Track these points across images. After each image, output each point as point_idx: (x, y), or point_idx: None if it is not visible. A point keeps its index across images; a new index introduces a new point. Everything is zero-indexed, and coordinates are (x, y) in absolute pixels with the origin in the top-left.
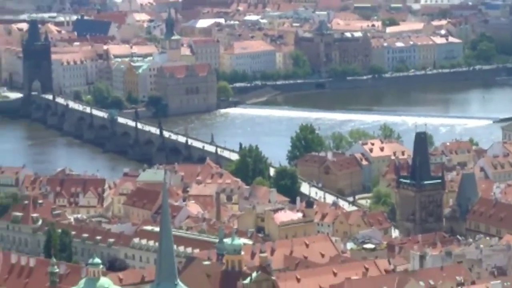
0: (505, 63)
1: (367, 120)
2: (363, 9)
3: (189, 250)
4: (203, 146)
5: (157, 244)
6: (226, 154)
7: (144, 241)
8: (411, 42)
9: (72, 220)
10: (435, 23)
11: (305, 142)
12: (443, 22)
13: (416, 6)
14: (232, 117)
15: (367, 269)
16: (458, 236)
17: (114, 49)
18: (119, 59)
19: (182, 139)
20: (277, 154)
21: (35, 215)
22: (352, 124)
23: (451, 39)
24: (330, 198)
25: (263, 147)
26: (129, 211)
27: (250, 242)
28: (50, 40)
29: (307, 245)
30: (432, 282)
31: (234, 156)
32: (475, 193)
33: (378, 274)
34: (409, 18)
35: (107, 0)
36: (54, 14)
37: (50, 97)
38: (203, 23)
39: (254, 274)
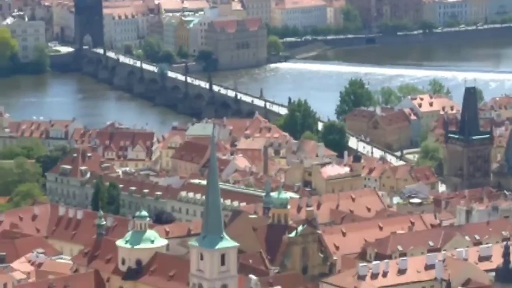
0: None
1: (417, 75)
2: None
3: (235, 203)
4: (252, 101)
5: (204, 197)
6: (275, 108)
7: (191, 194)
8: None
9: (120, 173)
10: None
11: (354, 96)
12: None
13: None
14: (282, 72)
15: (413, 224)
16: (505, 191)
17: (166, 3)
18: (170, 14)
19: (231, 93)
20: (325, 108)
21: (83, 168)
22: (401, 79)
23: None
24: (377, 153)
25: (312, 101)
26: (177, 164)
27: (296, 196)
28: None
29: (353, 199)
30: (477, 237)
31: (283, 111)
32: None
33: (424, 228)
34: None
35: None
36: None
37: (101, 51)
38: None
39: (300, 228)
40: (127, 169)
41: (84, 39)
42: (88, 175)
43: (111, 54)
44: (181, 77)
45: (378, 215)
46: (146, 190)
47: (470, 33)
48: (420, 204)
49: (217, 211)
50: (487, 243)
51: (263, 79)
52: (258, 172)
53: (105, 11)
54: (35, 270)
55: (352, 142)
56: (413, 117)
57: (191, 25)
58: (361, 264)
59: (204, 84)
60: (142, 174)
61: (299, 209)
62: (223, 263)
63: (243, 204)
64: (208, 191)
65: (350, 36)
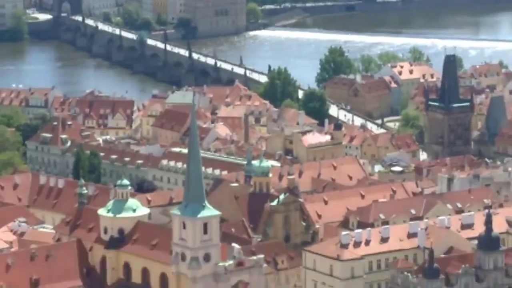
0: None
1: (397, 43)
2: None
3: (217, 172)
4: (232, 68)
5: (185, 166)
6: (255, 76)
7: (172, 163)
8: None
9: (100, 141)
10: None
11: (334, 64)
12: None
13: None
14: (261, 40)
15: (394, 192)
16: (486, 159)
17: None
18: None
19: (211, 61)
20: (306, 76)
21: (64, 136)
22: (381, 46)
23: None
24: (358, 121)
25: (292, 69)
26: (157, 132)
27: (278, 164)
28: None
29: (334, 168)
30: (459, 205)
31: (263, 79)
32: (504, 116)
33: (406, 196)
34: None
35: None
36: None
37: (79, 18)
38: None
39: (281, 196)
40: (108, 137)
41: (63, 7)
42: (69, 143)
43: (89, 22)
44: (160, 45)
45: (359, 183)
46: (127, 159)
47: (449, 0)
48: (401, 172)
49: (198, 179)
50: (469, 211)
51: (242, 47)
52: (239, 140)
53: None
54: (17, 239)
55: (333, 110)
56: (393, 85)
57: None
58: (343, 233)
59: (183, 52)
60: (122, 142)
61: (280, 177)
62: (205, 231)
63: (225, 172)
64: (189, 160)
65: (329, 3)
